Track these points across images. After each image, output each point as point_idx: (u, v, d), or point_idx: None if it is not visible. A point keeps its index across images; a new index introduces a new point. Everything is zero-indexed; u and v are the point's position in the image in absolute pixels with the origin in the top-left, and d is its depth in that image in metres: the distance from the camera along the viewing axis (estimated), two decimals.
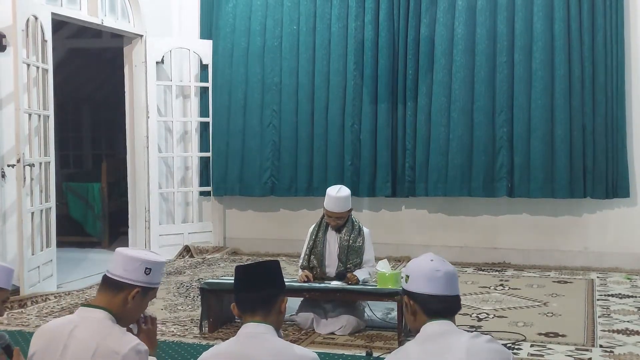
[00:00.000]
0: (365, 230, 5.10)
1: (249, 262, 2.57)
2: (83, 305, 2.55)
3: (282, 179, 7.95)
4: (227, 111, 8.11)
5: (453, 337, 2.22)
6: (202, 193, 8.41)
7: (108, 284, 2.51)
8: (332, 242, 5.07)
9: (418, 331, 2.30)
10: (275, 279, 2.49)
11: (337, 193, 4.95)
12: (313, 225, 5.17)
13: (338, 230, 5.04)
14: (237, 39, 8.05)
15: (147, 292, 2.54)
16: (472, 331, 2.28)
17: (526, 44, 7.14)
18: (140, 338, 2.47)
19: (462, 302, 2.41)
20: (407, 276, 2.35)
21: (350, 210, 5.05)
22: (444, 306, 2.28)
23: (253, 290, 2.43)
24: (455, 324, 2.30)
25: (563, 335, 4.77)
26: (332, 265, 5.05)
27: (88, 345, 2.35)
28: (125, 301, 2.48)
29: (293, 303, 4.97)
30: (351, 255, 4.99)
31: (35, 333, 2.52)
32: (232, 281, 5.07)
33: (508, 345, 4.52)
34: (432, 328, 2.25)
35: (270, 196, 8.08)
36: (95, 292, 6.25)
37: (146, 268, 2.49)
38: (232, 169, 8.13)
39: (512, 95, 7.22)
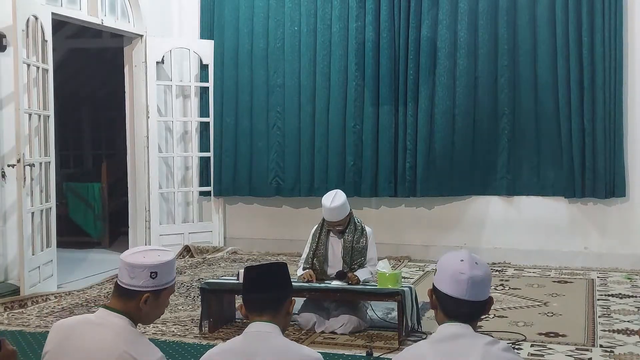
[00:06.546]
0: (368, 229, 5.08)
1: (258, 264, 2.64)
2: (103, 306, 2.50)
3: (287, 179, 7.95)
4: (227, 111, 8.10)
5: (468, 342, 2.14)
6: (202, 193, 8.42)
7: (120, 291, 2.47)
8: (336, 244, 5.05)
9: None
10: (284, 281, 2.55)
11: (331, 204, 4.89)
12: (315, 227, 5.14)
13: (341, 232, 5.04)
14: (237, 39, 8.04)
15: (160, 294, 2.49)
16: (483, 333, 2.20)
17: (527, 46, 7.15)
18: None
19: None
20: (436, 270, 2.27)
21: (349, 214, 5.02)
22: (462, 310, 2.18)
23: (262, 291, 2.47)
24: (475, 328, 2.21)
25: (563, 335, 4.77)
26: (336, 266, 5.03)
27: (110, 350, 2.32)
28: (138, 307, 2.45)
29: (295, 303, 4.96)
30: (355, 256, 4.98)
31: (51, 328, 2.48)
32: (233, 281, 5.10)
33: (508, 345, 4.51)
34: (448, 330, 2.18)
35: (270, 196, 8.08)
36: (95, 292, 6.31)
37: (151, 272, 2.43)
38: (231, 169, 8.12)
39: (513, 98, 7.25)
